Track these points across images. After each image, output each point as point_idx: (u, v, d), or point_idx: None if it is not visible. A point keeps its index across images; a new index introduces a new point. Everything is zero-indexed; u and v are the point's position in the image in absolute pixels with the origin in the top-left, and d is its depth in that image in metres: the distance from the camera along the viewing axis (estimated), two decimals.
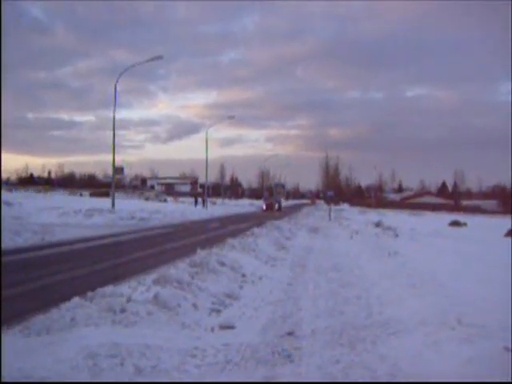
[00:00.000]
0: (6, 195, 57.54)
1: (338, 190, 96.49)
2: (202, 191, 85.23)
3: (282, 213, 55.28)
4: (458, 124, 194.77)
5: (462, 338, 5.97)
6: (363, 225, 31.03)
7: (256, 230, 22.37)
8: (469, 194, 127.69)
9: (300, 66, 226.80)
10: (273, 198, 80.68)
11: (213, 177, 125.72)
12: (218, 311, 8.19)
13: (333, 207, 54.97)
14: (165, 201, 72.72)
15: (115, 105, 36.26)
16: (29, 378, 4.34)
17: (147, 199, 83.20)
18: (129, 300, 7.45)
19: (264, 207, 68.14)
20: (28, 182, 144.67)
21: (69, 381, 4.60)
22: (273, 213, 57.12)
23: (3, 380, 4.61)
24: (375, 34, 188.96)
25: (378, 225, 29.09)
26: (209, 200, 71.58)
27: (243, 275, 11.18)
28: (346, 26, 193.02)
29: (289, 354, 5.90)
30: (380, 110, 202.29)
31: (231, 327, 7.29)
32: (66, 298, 7.68)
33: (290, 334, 6.90)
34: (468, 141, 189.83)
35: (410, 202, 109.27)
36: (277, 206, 68.57)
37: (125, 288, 8.73)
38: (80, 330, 6.20)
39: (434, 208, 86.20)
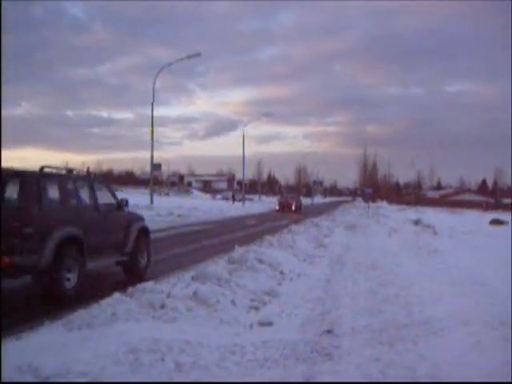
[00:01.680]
0: None
1: (375, 187, 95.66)
2: (239, 188, 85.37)
3: (302, 215, 45.08)
4: (498, 119, 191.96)
5: (505, 339, 5.88)
6: (401, 222, 30.77)
7: (293, 227, 22.37)
8: (510, 192, 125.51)
9: (338, 61, 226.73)
10: (289, 195, 63.74)
11: (250, 174, 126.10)
12: (257, 308, 8.19)
13: (371, 204, 54.57)
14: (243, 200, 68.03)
15: (153, 102, 36.55)
16: (70, 372, 4.40)
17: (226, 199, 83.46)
18: (168, 296, 7.51)
19: (277, 207, 53.71)
20: None
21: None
22: (290, 214, 46.85)
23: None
24: (414, 28, 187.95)
25: (416, 222, 28.80)
26: (246, 197, 71.67)
27: (281, 272, 11.16)
28: (385, 21, 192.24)
29: (328, 352, 5.87)
30: (419, 106, 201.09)
31: (270, 324, 7.30)
32: (107, 293, 7.80)
33: (329, 331, 6.87)
34: (509, 137, 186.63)
35: (449, 199, 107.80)
36: (294, 205, 52.91)
37: (164, 284, 8.79)
38: (121, 326, 6.26)
39: (488, 207, 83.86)
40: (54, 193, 9.38)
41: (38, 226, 8.53)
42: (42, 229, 8.58)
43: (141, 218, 12.51)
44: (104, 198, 10.99)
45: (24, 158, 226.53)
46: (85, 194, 10.37)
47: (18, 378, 4.22)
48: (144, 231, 12.13)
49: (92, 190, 10.49)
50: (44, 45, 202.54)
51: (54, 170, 9.94)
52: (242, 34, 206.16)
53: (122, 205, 11.55)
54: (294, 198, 58.49)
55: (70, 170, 10.61)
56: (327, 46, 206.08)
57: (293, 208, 51.85)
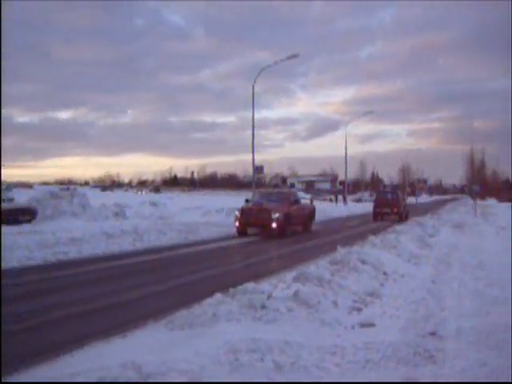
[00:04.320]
0: (151, 196, 60.46)
1: (483, 185, 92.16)
2: (342, 188, 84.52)
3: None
4: None
5: None
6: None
7: (398, 226, 22.04)
8: None
9: (441, 56, 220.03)
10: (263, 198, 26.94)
11: (353, 174, 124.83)
12: (359, 309, 8.09)
13: (478, 202, 52.72)
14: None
15: (253, 105, 36.87)
16: (171, 370, 4.51)
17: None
18: (269, 297, 7.55)
19: (237, 224, 22.72)
20: (172, 183, 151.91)
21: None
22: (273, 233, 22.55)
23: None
24: None
25: None
26: (350, 197, 71.07)
27: (384, 273, 10.97)
28: (488, 11, 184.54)
29: (431, 355, 5.71)
30: None
31: (372, 325, 7.19)
32: (208, 294, 7.97)
33: (432, 333, 6.69)
34: None
35: None
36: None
37: (265, 285, 8.86)
38: (221, 326, 6.38)
39: None
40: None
41: (403, 206, 35.87)
42: (404, 207, 36.28)
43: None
44: None
45: (131, 163, 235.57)
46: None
47: (123, 374, 4.37)
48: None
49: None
50: (147, 53, 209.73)
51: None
52: (341, 33, 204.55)
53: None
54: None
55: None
56: (429, 40, 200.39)
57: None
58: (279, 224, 21.85)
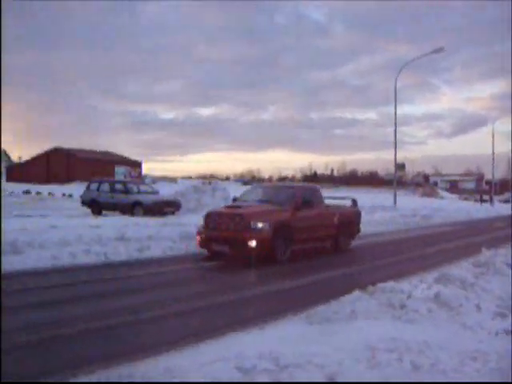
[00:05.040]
0: None
1: None
2: (488, 188, 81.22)
3: None
4: None
5: None
6: None
7: None
8: None
9: None
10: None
11: (500, 173, 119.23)
12: (504, 315, 7.73)
13: None
14: None
15: (395, 101, 36.24)
16: (308, 363, 4.56)
17: None
18: (409, 297, 7.44)
19: (198, 238, 14.07)
20: (312, 179, 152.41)
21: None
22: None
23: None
24: None
25: None
26: (497, 198, 68.26)
27: None
28: None
29: None
30: None
31: None
32: (347, 291, 7.98)
33: None
34: None
35: None
36: None
37: (405, 285, 8.69)
38: (359, 323, 6.37)
39: None
40: None
41: None
42: None
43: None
44: None
45: (271, 159, 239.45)
46: None
47: (260, 364, 4.47)
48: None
49: None
50: (288, 50, 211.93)
51: None
52: (489, 25, 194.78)
53: None
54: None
55: None
56: None
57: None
58: (262, 241, 12.98)
